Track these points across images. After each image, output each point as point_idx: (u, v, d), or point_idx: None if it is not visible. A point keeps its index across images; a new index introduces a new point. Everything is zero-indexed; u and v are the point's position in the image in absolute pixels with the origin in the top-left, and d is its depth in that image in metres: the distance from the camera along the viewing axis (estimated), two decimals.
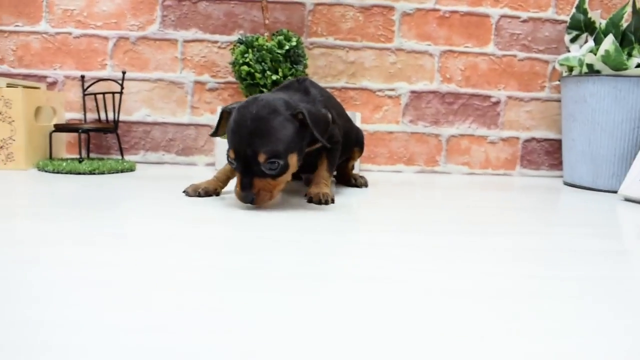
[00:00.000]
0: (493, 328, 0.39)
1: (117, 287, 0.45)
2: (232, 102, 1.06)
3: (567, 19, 1.62)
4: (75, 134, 1.61)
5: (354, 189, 1.21)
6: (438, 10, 1.63)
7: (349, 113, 1.41)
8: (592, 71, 1.39)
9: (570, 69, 1.48)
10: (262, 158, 0.85)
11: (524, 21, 1.66)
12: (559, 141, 1.70)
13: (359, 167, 1.43)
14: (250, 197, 0.87)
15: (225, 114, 0.95)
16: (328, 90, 1.59)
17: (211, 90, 1.61)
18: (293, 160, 0.90)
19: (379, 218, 0.85)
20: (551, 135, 1.70)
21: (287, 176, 0.91)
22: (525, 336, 0.38)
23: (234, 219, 0.80)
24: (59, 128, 1.39)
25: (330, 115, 0.93)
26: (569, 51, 1.57)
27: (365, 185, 1.25)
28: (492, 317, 0.41)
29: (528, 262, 0.59)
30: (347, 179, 1.26)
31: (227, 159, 0.90)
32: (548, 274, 0.55)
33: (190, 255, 0.57)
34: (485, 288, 0.49)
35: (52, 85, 1.61)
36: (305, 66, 1.42)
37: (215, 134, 0.99)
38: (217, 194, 1.04)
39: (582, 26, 1.53)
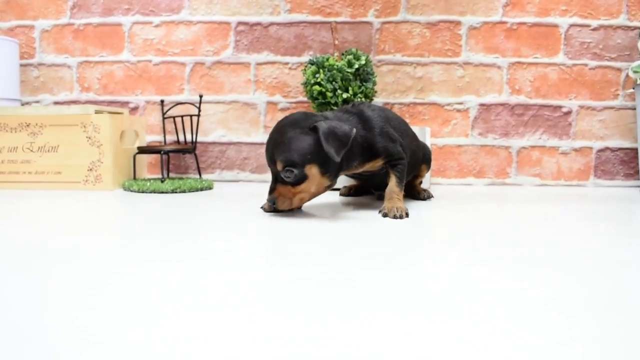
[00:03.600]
0: (580, 339, 0.40)
1: (201, 301, 0.49)
2: None
3: None
4: (156, 155, 1.70)
5: (426, 203, 1.22)
6: (505, 22, 1.63)
7: (417, 128, 1.44)
8: None
9: None
10: (279, 166, 0.95)
11: (595, 29, 1.63)
12: (635, 150, 1.66)
13: (429, 180, 1.45)
14: (272, 199, 0.99)
15: None
16: (396, 106, 1.62)
17: (283, 110, 1.67)
18: (313, 171, 0.95)
19: (454, 232, 0.86)
20: (626, 144, 1.66)
21: (309, 186, 0.98)
22: (611, 348, 0.39)
23: (309, 233, 0.83)
24: (142, 150, 1.48)
25: (353, 132, 0.96)
26: None
27: (429, 197, 1.29)
28: (578, 330, 0.42)
29: (608, 274, 0.60)
30: (414, 193, 1.29)
31: None
32: (630, 284, 0.55)
33: (270, 269, 0.60)
34: (568, 301, 0.50)
35: (134, 110, 1.70)
36: (374, 83, 1.45)
37: None
38: (291, 209, 1.09)
39: None
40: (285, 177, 0.96)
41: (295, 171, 0.94)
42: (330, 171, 0.97)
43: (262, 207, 1.09)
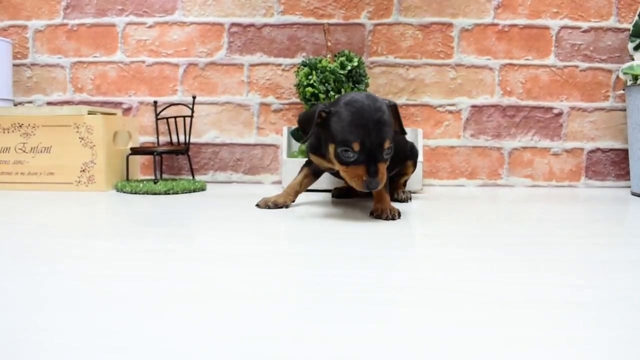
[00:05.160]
0: (565, 337, 0.41)
1: (194, 300, 0.49)
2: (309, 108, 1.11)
3: (630, 27, 1.60)
4: (149, 156, 1.70)
5: (419, 203, 1.23)
6: (497, 24, 1.64)
7: (409, 130, 1.45)
8: None
9: (635, 77, 1.46)
10: (387, 145, 0.92)
11: (585, 31, 1.65)
12: (626, 151, 1.67)
13: (422, 182, 1.45)
14: (378, 183, 0.92)
15: (322, 115, 0.97)
16: None
17: (276, 111, 1.68)
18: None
19: (445, 232, 0.87)
20: (617, 145, 1.68)
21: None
22: (595, 345, 0.40)
23: (302, 234, 0.84)
24: (135, 151, 1.48)
25: None
26: (632, 59, 1.55)
27: (407, 200, 1.27)
28: (564, 327, 0.43)
29: (597, 274, 0.60)
30: (393, 193, 1.26)
31: (342, 154, 0.93)
32: (617, 285, 0.56)
33: (265, 270, 0.60)
34: (558, 300, 0.50)
35: (127, 111, 1.71)
36: (367, 85, 1.46)
37: (307, 137, 0.99)
38: (287, 207, 1.14)
39: None
40: (386, 155, 0.94)
41: (392, 146, 0.95)
42: None
43: (257, 205, 1.13)
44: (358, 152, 0.92)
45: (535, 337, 0.41)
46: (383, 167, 0.94)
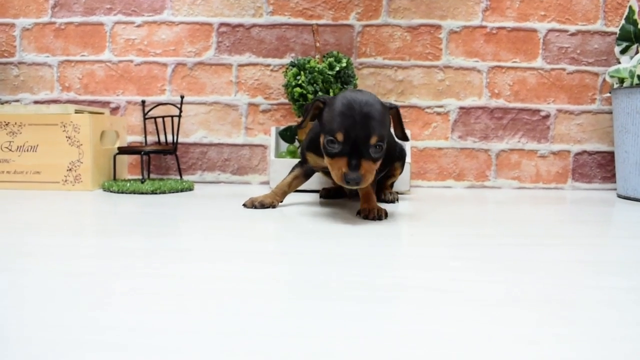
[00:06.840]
0: (549, 336, 0.41)
1: (180, 298, 0.49)
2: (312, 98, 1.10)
3: (617, 30, 1.62)
4: (136, 156, 1.69)
5: (406, 204, 1.23)
6: (485, 27, 1.65)
7: None
8: None
9: (621, 80, 1.48)
10: (373, 140, 0.89)
11: (573, 34, 1.66)
12: (612, 153, 1.68)
13: (409, 183, 1.46)
14: (359, 177, 0.89)
15: (318, 104, 0.98)
16: None
17: (264, 111, 1.68)
18: (385, 148, 0.94)
19: (432, 232, 0.87)
20: (603, 147, 1.69)
21: (380, 163, 0.96)
22: (580, 344, 0.40)
23: (289, 234, 0.84)
24: (123, 150, 1.47)
25: None
26: (619, 63, 1.56)
27: (394, 201, 1.27)
28: (549, 326, 0.43)
29: (582, 274, 0.61)
30: (380, 194, 1.27)
31: (327, 145, 0.92)
32: (602, 284, 0.56)
33: (250, 268, 0.60)
34: (542, 298, 0.51)
35: (115, 110, 1.70)
36: (355, 86, 1.46)
37: (301, 124, 1.01)
38: (274, 207, 1.14)
39: (632, 37, 1.52)
40: (374, 153, 0.91)
41: (383, 146, 0.93)
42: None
43: (244, 204, 1.13)
44: (342, 143, 0.90)
45: (518, 335, 0.41)
46: (368, 165, 0.91)
